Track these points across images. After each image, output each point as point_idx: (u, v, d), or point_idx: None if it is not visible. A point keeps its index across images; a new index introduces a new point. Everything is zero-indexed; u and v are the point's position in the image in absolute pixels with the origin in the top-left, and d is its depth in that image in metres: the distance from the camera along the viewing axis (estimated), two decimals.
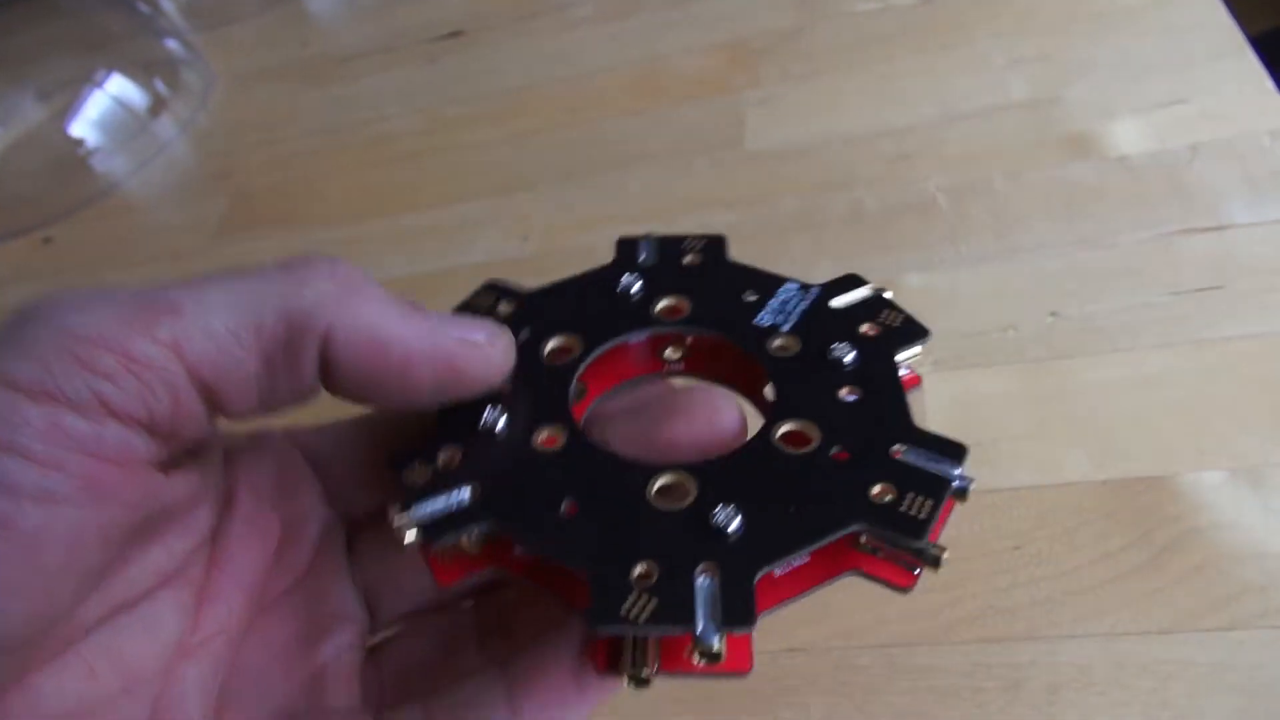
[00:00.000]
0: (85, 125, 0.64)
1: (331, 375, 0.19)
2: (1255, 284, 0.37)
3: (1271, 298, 0.36)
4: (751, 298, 0.24)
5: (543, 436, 0.21)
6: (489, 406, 0.22)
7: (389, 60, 0.69)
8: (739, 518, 0.19)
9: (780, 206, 0.47)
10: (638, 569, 0.18)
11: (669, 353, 0.25)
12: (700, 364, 0.25)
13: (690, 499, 0.20)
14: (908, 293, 0.40)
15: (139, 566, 0.19)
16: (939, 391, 0.37)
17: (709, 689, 0.32)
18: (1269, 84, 0.44)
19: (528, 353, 0.23)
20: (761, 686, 0.32)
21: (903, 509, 0.19)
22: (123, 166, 0.64)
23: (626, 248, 0.26)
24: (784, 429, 0.21)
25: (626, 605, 0.17)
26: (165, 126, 0.67)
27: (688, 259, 0.25)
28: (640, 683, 0.19)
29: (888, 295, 0.24)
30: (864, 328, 0.23)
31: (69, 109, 0.64)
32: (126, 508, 0.17)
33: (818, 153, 0.49)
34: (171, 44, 0.70)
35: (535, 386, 0.22)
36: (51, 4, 0.71)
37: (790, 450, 0.21)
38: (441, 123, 0.61)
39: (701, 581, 0.18)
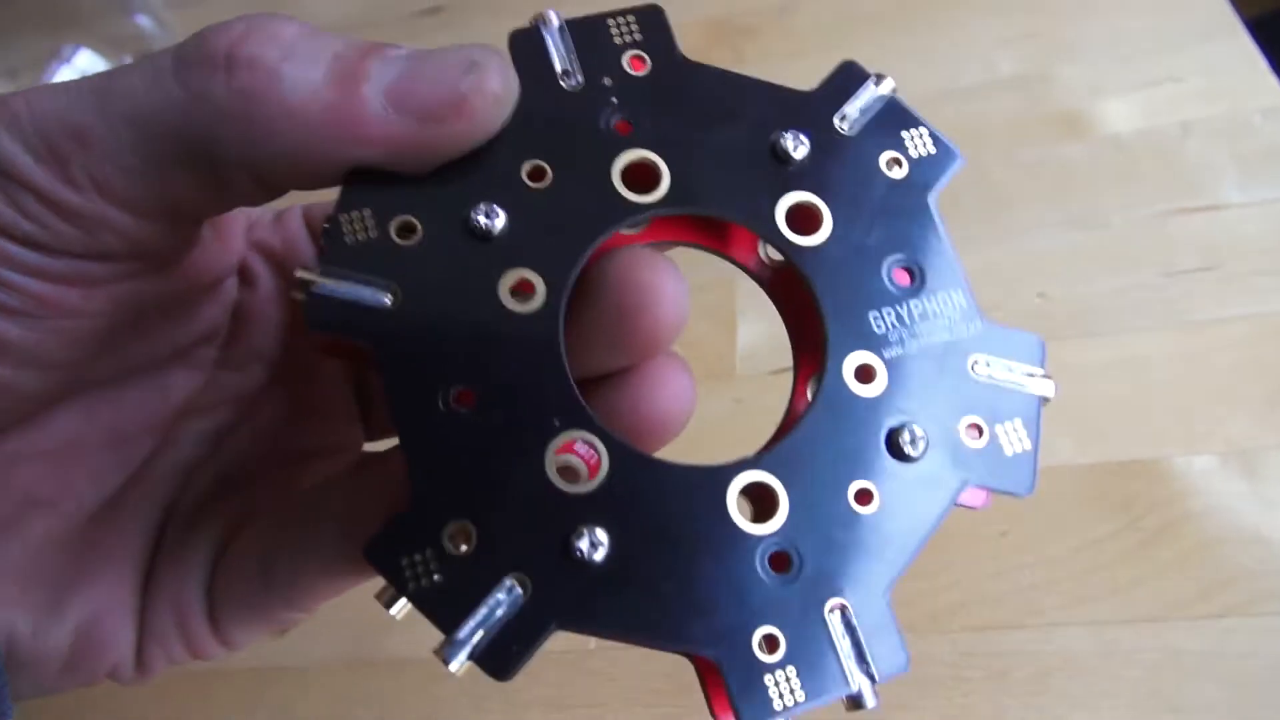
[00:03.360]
0: None
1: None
2: (1247, 265, 0.36)
3: (1263, 279, 0.35)
4: (730, 131, 0.19)
5: (559, 450, 0.17)
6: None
7: (368, 35, 0.67)
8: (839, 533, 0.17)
9: None
10: (757, 636, 0.16)
11: (625, 230, 0.20)
12: (683, 232, 0.21)
13: (780, 516, 0.17)
14: None
15: (154, 339, 0.21)
16: None
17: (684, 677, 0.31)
18: (1261, 63, 0.43)
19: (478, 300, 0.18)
20: None
21: (1000, 449, 0.18)
22: None
23: (526, 46, 0.19)
24: (852, 366, 0.18)
25: (773, 693, 0.16)
26: None
27: (629, 60, 0.19)
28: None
29: (894, 89, 0.20)
30: (886, 160, 0.19)
31: (35, 85, 0.63)
32: (101, 316, 0.18)
33: None
34: (142, 20, 0.68)
35: (516, 358, 0.18)
36: None
37: (862, 392, 0.18)
38: None
39: (835, 627, 0.17)
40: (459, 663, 0.16)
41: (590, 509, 0.17)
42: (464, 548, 0.16)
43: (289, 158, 0.17)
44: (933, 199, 0.19)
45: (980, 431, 0.18)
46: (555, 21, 0.19)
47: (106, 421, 0.21)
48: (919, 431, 0.17)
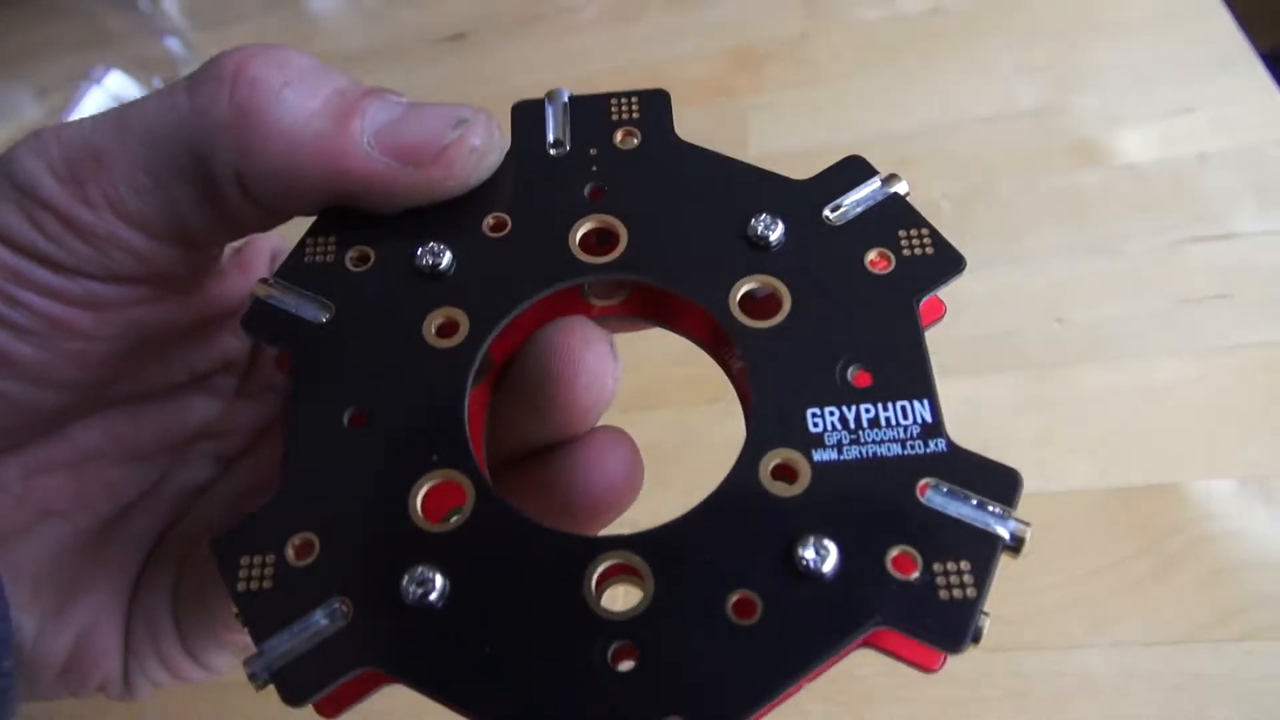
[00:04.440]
0: None
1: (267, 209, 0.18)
2: (1263, 292, 0.36)
3: (1278, 307, 0.36)
4: (705, 208, 0.19)
5: (426, 494, 0.17)
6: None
7: (391, 61, 0.69)
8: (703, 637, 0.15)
9: None
10: None
11: (598, 300, 0.20)
12: (645, 308, 0.20)
13: (639, 607, 0.15)
14: None
15: (173, 363, 0.21)
16: (943, 397, 0.37)
17: None
18: (1277, 95, 0.44)
19: (400, 334, 0.18)
20: None
21: (934, 589, 0.15)
22: None
23: (527, 115, 0.20)
24: (770, 465, 0.16)
25: None
26: None
27: (620, 135, 0.20)
28: None
29: (903, 192, 0.18)
30: (872, 257, 0.18)
31: (67, 106, 0.64)
32: (113, 340, 0.19)
33: (820, 157, 0.48)
34: (171, 43, 0.69)
35: (411, 398, 0.17)
36: (51, 4, 0.71)
37: (776, 492, 0.16)
38: None
39: None
40: (260, 677, 0.15)
41: (436, 552, 0.16)
42: (304, 561, 0.16)
43: (276, 177, 0.17)
44: (918, 303, 0.17)
45: (912, 565, 0.15)
46: (563, 98, 0.20)
47: (126, 438, 0.21)
48: (827, 549, 0.15)
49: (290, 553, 0.16)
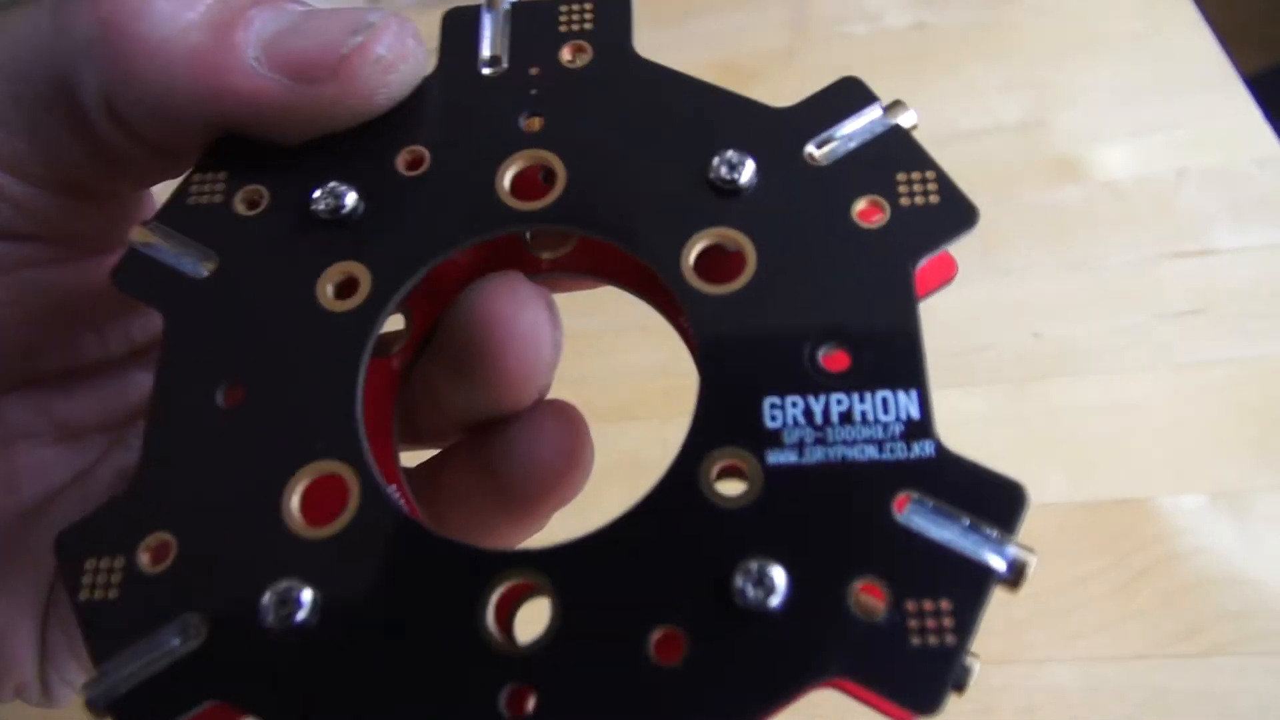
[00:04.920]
0: None
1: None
2: (1238, 309, 0.37)
3: (1253, 323, 0.36)
4: (663, 142, 0.15)
5: (297, 499, 0.14)
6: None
7: None
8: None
9: None
10: None
11: (544, 253, 0.18)
12: (595, 263, 0.18)
13: (542, 640, 0.13)
14: None
15: (107, 333, 0.19)
16: None
17: None
18: (1257, 114, 0.44)
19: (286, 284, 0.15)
20: None
21: (904, 633, 0.12)
22: None
23: (458, 26, 0.17)
24: (715, 466, 0.13)
25: None
26: None
27: (568, 51, 0.16)
28: None
29: (909, 125, 0.15)
30: (861, 206, 0.14)
31: None
32: (10, 304, 0.17)
33: None
34: None
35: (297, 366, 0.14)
36: None
37: (719, 501, 0.13)
38: None
39: None
40: (97, 705, 0.13)
41: (309, 563, 0.13)
42: (158, 567, 0.13)
43: (149, 101, 0.15)
44: (915, 266, 0.14)
45: (879, 601, 0.12)
46: (504, 4, 0.17)
47: (59, 416, 0.19)
48: (773, 577, 0.12)
49: (143, 557, 0.13)
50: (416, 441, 0.19)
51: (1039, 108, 0.48)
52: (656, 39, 0.66)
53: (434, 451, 0.19)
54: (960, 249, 0.43)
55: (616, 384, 0.42)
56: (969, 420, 0.36)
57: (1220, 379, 0.35)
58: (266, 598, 0.13)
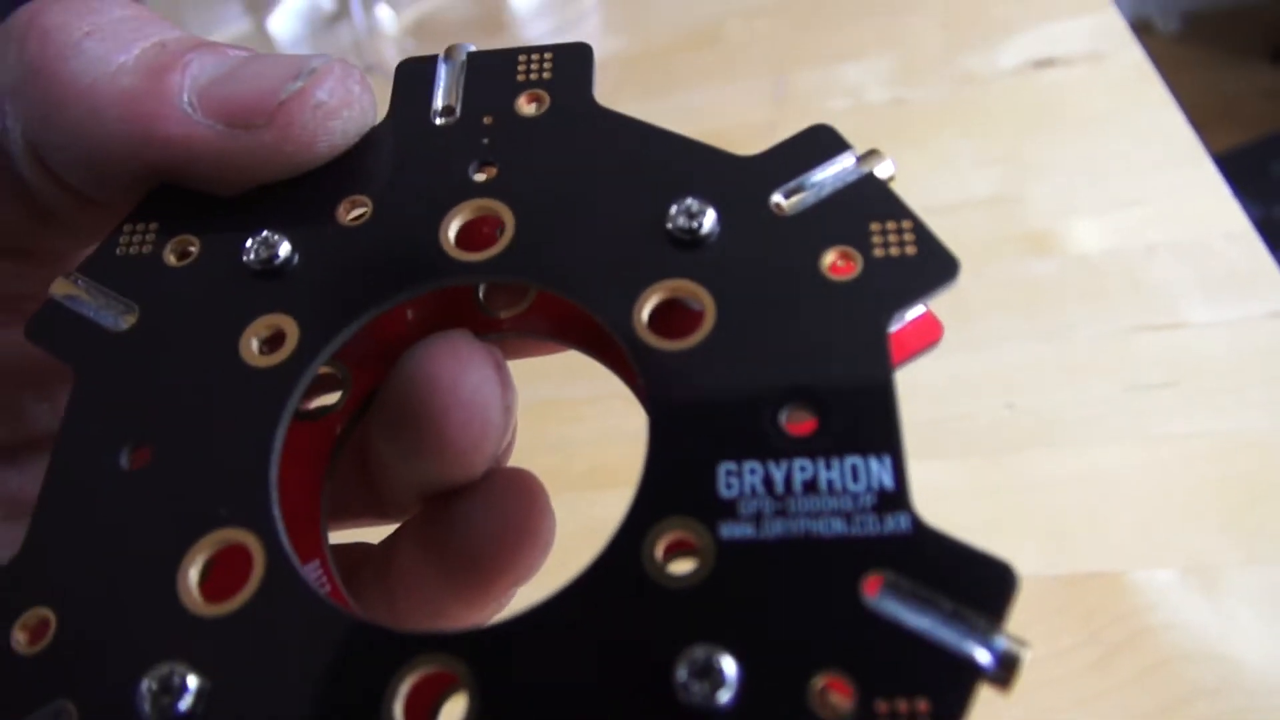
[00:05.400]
0: None
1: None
2: (1208, 382, 0.37)
3: (1223, 397, 0.36)
4: (621, 193, 0.14)
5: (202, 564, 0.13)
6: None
7: None
8: None
9: None
10: None
11: (497, 310, 0.17)
12: (549, 322, 0.17)
13: None
14: None
15: (59, 402, 0.18)
16: None
17: None
18: (1225, 190, 0.45)
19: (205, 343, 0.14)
20: None
21: None
22: None
23: (412, 77, 0.16)
24: (661, 540, 0.12)
25: None
26: None
27: (524, 100, 0.16)
28: None
29: (885, 175, 0.14)
30: (831, 258, 0.13)
31: None
32: None
33: None
34: None
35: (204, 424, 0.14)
36: None
37: (663, 580, 0.12)
38: None
39: None
40: None
41: (200, 643, 0.12)
42: (34, 646, 0.12)
43: (77, 148, 0.14)
44: (889, 321, 0.13)
45: (846, 699, 0.10)
46: (461, 54, 0.16)
47: (8, 491, 0.18)
48: (722, 670, 0.11)
49: (19, 635, 0.12)
50: (367, 514, 0.18)
51: (1012, 182, 0.49)
52: (642, 110, 0.67)
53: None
54: None
55: (593, 450, 0.42)
56: (941, 492, 0.36)
57: (1191, 452, 0.35)
58: (144, 684, 0.11)
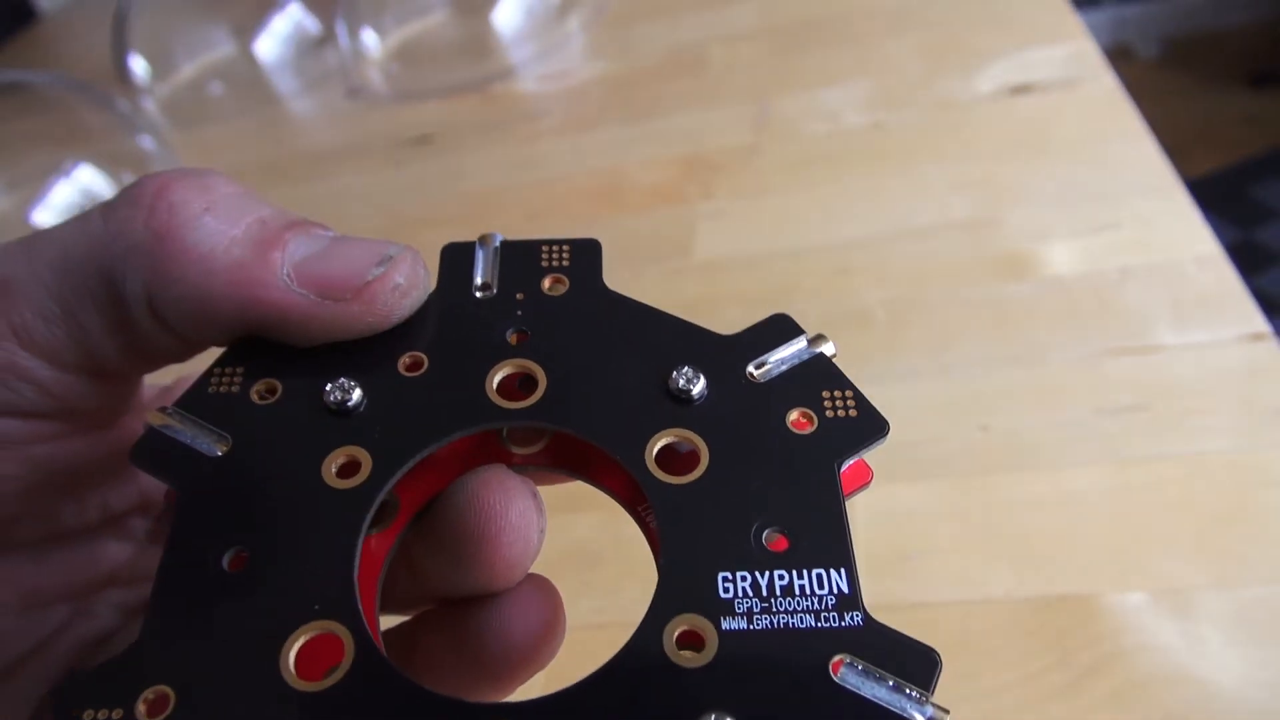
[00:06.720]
0: (49, 214, 0.64)
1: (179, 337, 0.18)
2: (1179, 405, 0.37)
3: (1194, 420, 0.36)
4: (628, 359, 0.18)
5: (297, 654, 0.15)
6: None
7: (360, 160, 0.70)
8: None
9: (723, 315, 0.48)
10: None
11: (517, 448, 0.20)
12: (563, 459, 0.20)
13: None
14: None
15: (87, 503, 0.20)
16: (865, 503, 0.37)
17: None
18: (1197, 216, 0.45)
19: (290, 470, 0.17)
20: None
21: None
22: None
23: (456, 256, 0.20)
24: (675, 630, 0.15)
25: None
26: None
27: (548, 282, 0.20)
28: None
29: (830, 353, 0.18)
30: (795, 416, 0.17)
31: (34, 199, 0.65)
32: (16, 479, 0.18)
33: (763, 264, 0.50)
34: (145, 140, 0.71)
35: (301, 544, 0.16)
36: (32, 98, 0.73)
37: (680, 661, 0.15)
38: (402, 221, 0.62)
39: None
40: None
41: (304, 715, 0.14)
42: (155, 718, 0.14)
43: (189, 302, 0.17)
44: (840, 467, 0.17)
45: None
46: (495, 242, 0.20)
47: (27, 585, 0.20)
48: None
49: (141, 708, 0.14)
50: (386, 608, 0.20)
51: (988, 206, 0.49)
52: (627, 134, 0.68)
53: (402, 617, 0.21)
54: (909, 342, 0.44)
55: None
56: (917, 514, 0.36)
57: (1162, 475, 0.35)
58: None
